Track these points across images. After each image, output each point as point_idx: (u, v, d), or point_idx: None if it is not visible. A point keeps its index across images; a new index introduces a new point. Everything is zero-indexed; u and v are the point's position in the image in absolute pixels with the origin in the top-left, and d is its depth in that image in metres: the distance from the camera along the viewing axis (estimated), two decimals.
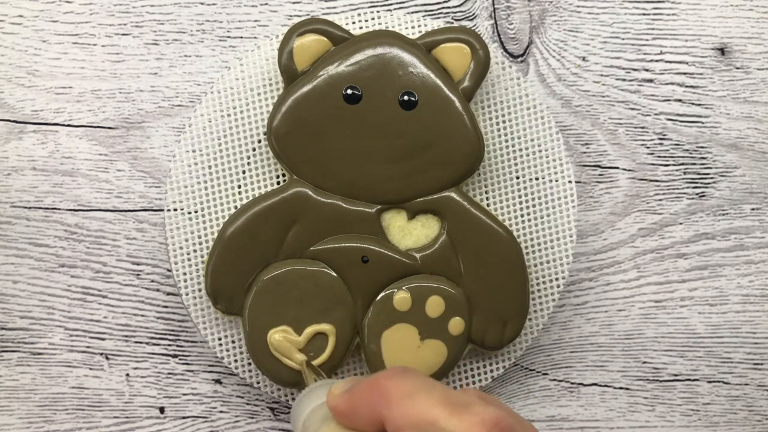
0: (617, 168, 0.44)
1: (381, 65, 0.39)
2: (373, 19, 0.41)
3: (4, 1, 0.42)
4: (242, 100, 0.41)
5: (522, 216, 0.41)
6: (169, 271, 0.43)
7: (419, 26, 0.41)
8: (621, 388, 0.44)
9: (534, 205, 0.41)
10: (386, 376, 0.28)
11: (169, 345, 0.43)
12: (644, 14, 0.43)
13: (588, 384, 0.44)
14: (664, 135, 0.44)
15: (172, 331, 0.43)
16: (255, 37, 0.42)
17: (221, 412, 0.43)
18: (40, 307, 0.43)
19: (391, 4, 0.43)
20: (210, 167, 0.41)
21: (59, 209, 0.42)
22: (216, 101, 0.41)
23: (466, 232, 0.40)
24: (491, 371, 0.42)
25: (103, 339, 0.43)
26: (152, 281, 0.43)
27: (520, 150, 0.41)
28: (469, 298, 0.40)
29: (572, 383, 0.44)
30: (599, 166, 0.44)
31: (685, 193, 0.44)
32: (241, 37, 0.42)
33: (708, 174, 0.44)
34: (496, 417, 0.26)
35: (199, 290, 0.41)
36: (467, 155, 0.39)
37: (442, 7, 0.43)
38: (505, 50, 0.43)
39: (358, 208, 0.39)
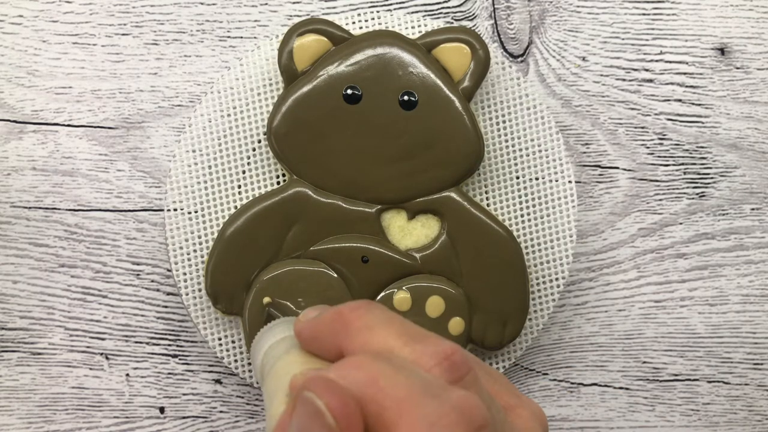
0: (617, 168, 0.44)
1: (381, 65, 0.39)
2: (373, 19, 0.41)
3: (4, 1, 0.42)
4: (242, 100, 0.41)
5: (522, 216, 0.41)
6: (169, 271, 0.43)
7: (419, 26, 0.41)
8: (621, 388, 0.44)
9: (534, 205, 0.41)
10: (350, 308, 0.28)
11: (169, 345, 0.43)
12: (644, 14, 0.43)
13: (588, 384, 0.44)
14: (664, 135, 0.44)
15: (172, 331, 0.43)
16: (255, 37, 0.42)
17: (221, 412, 0.43)
18: (40, 307, 0.43)
19: (391, 4, 0.43)
20: (210, 167, 0.41)
21: (59, 209, 0.42)
22: (216, 101, 0.41)
23: (466, 232, 0.40)
24: None
25: (103, 339, 0.43)
26: (152, 281, 0.43)
27: (520, 150, 0.41)
28: (469, 298, 0.40)
29: (572, 383, 0.44)
30: (599, 166, 0.44)
31: (685, 193, 0.44)
32: (241, 37, 0.42)
33: (708, 174, 0.44)
34: (449, 349, 0.26)
35: (199, 290, 0.41)
36: (467, 155, 0.39)
37: (442, 7, 0.43)
38: (505, 50, 0.43)
39: (358, 208, 0.39)
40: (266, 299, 0.39)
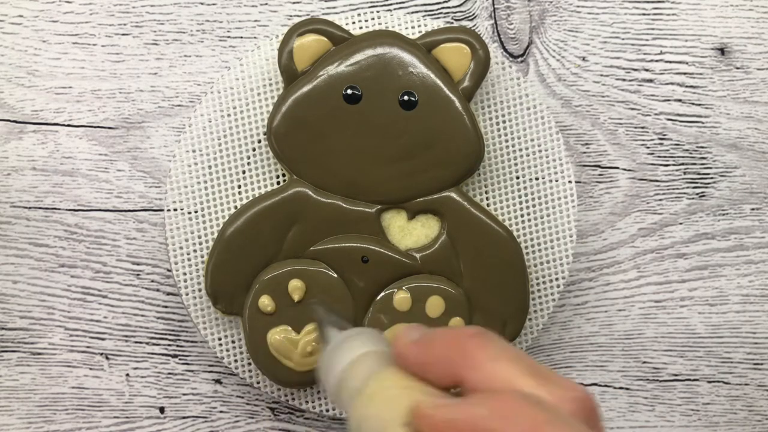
0: (617, 168, 0.44)
1: (381, 65, 0.39)
2: (373, 19, 0.41)
3: (4, 1, 0.42)
4: (242, 100, 0.41)
5: (522, 216, 0.41)
6: (169, 271, 0.43)
7: (419, 26, 0.41)
8: (621, 388, 0.44)
9: (534, 205, 0.41)
10: (469, 335, 0.26)
11: (169, 345, 0.43)
12: (644, 14, 0.43)
13: (588, 384, 0.44)
14: (664, 135, 0.44)
15: (172, 331, 0.43)
16: (255, 37, 0.42)
17: (221, 412, 0.43)
18: (40, 307, 0.43)
19: (391, 4, 0.43)
20: (210, 167, 0.41)
21: (59, 209, 0.42)
22: (216, 101, 0.41)
23: (466, 232, 0.40)
24: None
25: (103, 339, 0.43)
26: (152, 281, 0.43)
27: (520, 150, 0.41)
28: (469, 298, 0.40)
29: None
30: (599, 166, 0.44)
31: (685, 193, 0.44)
32: (241, 37, 0.42)
33: (708, 174, 0.44)
34: (585, 393, 0.25)
35: (199, 290, 0.41)
36: (467, 155, 0.39)
37: (442, 7, 0.43)
38: (505, 50, 0.43)
39: (358, 208, 0.39)
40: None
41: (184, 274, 0.41)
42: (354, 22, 0.41)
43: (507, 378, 0.25)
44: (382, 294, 0.39)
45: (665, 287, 0.44)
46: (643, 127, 0.44)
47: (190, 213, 0.41)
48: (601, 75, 0.43)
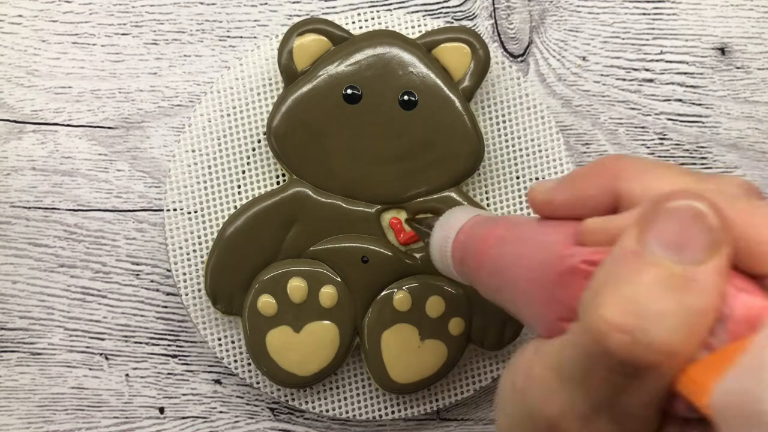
0: None
1: (381, 65, 0.39)
2: (373, 19, 0.41)
3: (4, 1, 0.42)
4: (242, 100, 0.41)
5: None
6: (169, 271, 0.43)
7: (419, 26, 0.41)
8: None
9: None
10: (613, 158, 0.25)
11: (169, 345, 0.43)
12: (644, 14, 0.43)
13: None
14: (664, 135, 0.44)
15: (172, 331, 0.43)
16: (255, 37, 0.42)
17: (221, 412, 0.43)
18: (39, 307, 0.43)
19: (391, 4, 0.43)
20: (210, 167, 0.41)
21: (59, 209, 0.42)
22: (216, 101, 0.41)
23: None
24: (491, 371, 0.42)
25: (102, 339, 0.43)
26: (152, 281, 0.43)
27: (520, 150, 0.41)
28: (469, 298, 0.40)
29: None
30: None
31: None
32: (241, 37, 0.42)
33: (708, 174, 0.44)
34: (747, 181, 0.24)
35: (199, 290, 0.41)
36: (467, 155, 0.39)
37: (442, 7, 0.43)
38: (505, 50, 0.43)
39: (358, 208, 0.39)
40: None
41: (184, 274, 0.41)
42: (354, 22, 0.41)
43: (667, 181, 0.24)
44: (382, 294, 0.39)
45: None
46: (643, 127, 0.44)
47: (189, 213, 0.41)
48: (602, 75, 0.43)
